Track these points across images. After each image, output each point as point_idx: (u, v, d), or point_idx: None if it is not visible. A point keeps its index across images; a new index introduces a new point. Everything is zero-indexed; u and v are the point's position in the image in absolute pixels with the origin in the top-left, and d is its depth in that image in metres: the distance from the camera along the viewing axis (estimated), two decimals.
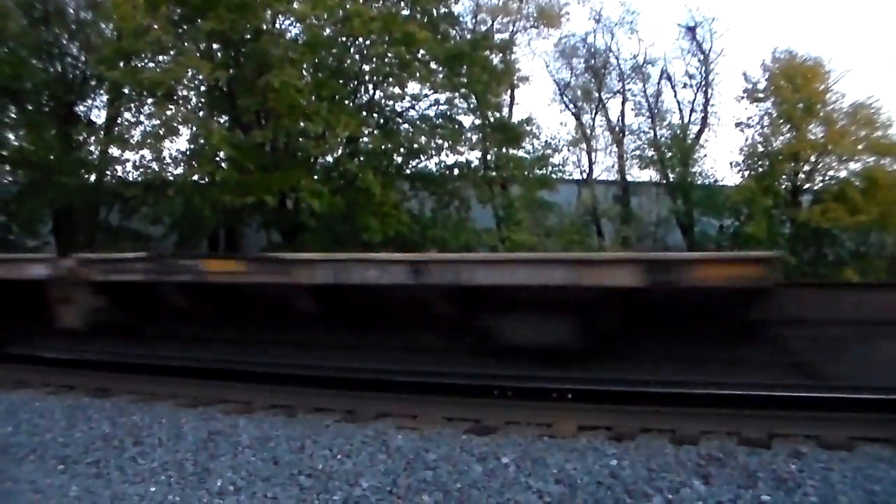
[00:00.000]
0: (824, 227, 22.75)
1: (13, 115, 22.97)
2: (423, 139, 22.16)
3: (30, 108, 22.79)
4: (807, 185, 24.78)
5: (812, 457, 5.69)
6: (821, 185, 24.68)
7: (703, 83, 27.81)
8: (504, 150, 23.59)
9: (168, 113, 20.83)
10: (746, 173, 25.27)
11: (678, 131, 26.99)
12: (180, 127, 21.16)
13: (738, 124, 26.04)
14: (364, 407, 7.88)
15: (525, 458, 5.84)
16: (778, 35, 56.16)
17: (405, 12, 21.61)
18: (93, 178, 22.91)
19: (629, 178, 27.58)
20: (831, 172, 24.57)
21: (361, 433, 6.71)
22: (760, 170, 24.66)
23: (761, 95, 25.52)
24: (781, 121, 24.54)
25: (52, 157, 21.25)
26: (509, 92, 26.63)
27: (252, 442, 6.55)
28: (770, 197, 23.38)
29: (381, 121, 22.51)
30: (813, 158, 24.23)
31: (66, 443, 6.85)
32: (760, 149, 24.99)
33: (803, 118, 23.84)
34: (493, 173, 23.66)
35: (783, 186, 24.43)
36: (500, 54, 24.61)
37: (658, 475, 5.39)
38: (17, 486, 5.88)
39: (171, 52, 20.40)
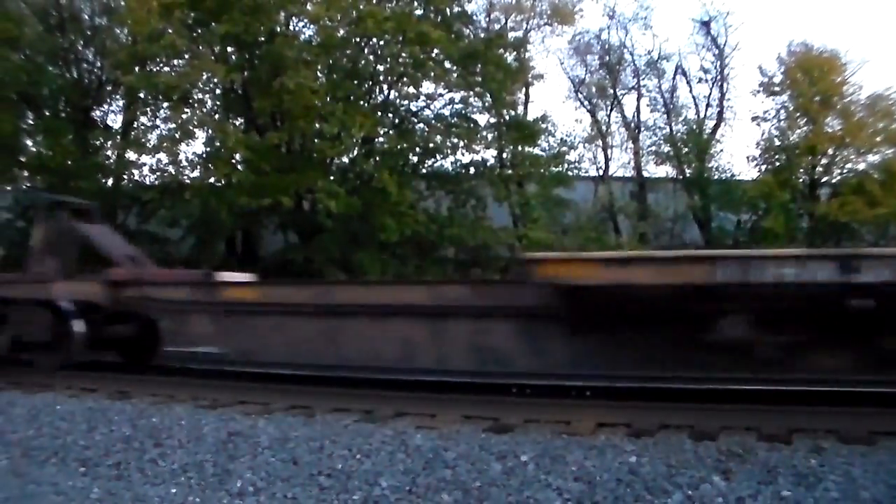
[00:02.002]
0: (843, 221, 22.62)
1: (31, 122, 23.13)
2: (438, 138, 22.15)
3: (47, 114, 22.93)
4: (825, 179, 24.66)
5: (833, 452, 5.65)
6: (839, 178, 24.57)
7: (719, 78, 27.75)
8: (520, 148, 23.56)
9: (184, 116, 20.91)
10: (763, 167, 25.22)
11: (694, 126, 26.91)
12: (196, 130, 21.24)
13: (754, 118, 25.99)
14: (382, 406, 7.90)
15: (544, 456, 5.82)
16: (793, 28, 55.96)
17: (419, 12, 21.60)
18: (110, 182, 23.04)
19: (645, 175, 27.57)
20: (849, 165, 24.50)
21: (380, 433, 6.71)
22: (777, 164, 24.56)
23: (777, 89, 25.44)
24: (798, 114, 24.44)
25: (69, 163, 21.36)
26: (524, 90, 26.67)
27: (271, 442, 6.56)
28: (787, 191, 23.28)
29: (397, 121, 22.53)
30: (830, 151, 24.11)
31: (88, 445, 6.88)
32: (777, 143, 24.91)
33: (820, 111, 23.72)
34: (509, 171, 23.65)
35: (801, 180, 24.32)
36: (515, 52, 24.64)
37: (678, 471, 5.37)
38: (40, 489, 5.92)
39: (186, 56, 20.48)
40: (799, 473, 5.22)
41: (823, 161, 24.33)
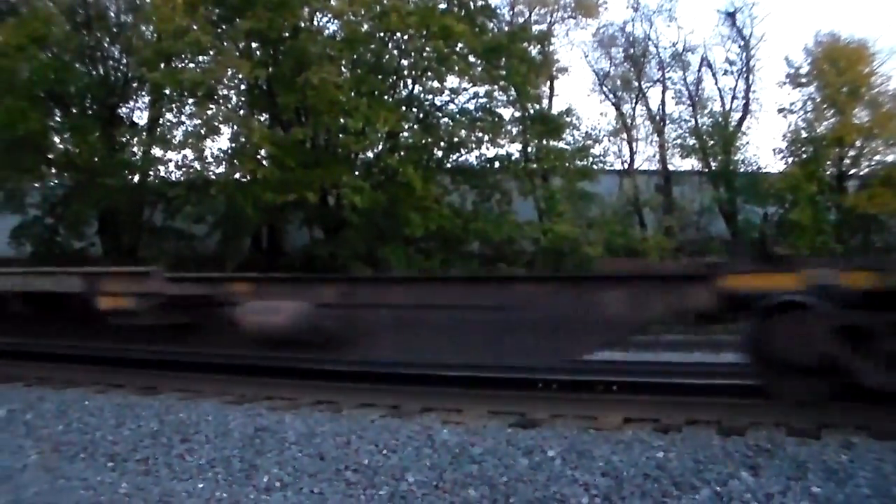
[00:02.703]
0: (871, 213, 22.35)
1: (58, 119, 23.29)
2: (463, 132, 22.08)
3: (74, 111, 23.06)
4: (853, 171, 24.42)
5: (863, 447, 5.60)
6: (867, 169, 24.33)
7: (745, 69, 27.56)
8: (544, 141, 23.46)
9: (209, 112, 20.96)
10: (790, 160, 24.96)
11: (720, 119, 26.73)
12: (221, 126, 21.28)
13: (780, 110, 25.74)
14: (409, 402, 7.91)
15: (571, 451, 5.81)
16: (820, 18, 55.43)
17: (442, 6, 21.54)
18: (136, 178, 23.17)
19: (671, 168, 27.42)
20: (878, 157, 24.23)
21: (407, 428, 6.72)
22: (804, 156, 24.31)
23: (804, 80, 25.19)
24: (825, 105, 24.19)
25: (96, 160, 21.49)
26: (548, 83, 26.58)
27: (298, 438, 6.58)
28: (815, 183, 23.03)
29: (421, 115, 22.48)
30: (858, 143, 23.87)
31: (116, 440, 6.93)
32: (804, 134, 24.64)
33: (848, 102, 23.47)
34: (534, 165, 23.54)
35: (828, 172, 24.08)
36: (539, 46, 24.52)
37: (706, 467, 5.34)
38: (70, 484, 5.96)
39: (211, 52, 20.52)
40: (829, 469, 5.18)
41: (851, 153, 24.09)
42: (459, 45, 20.90)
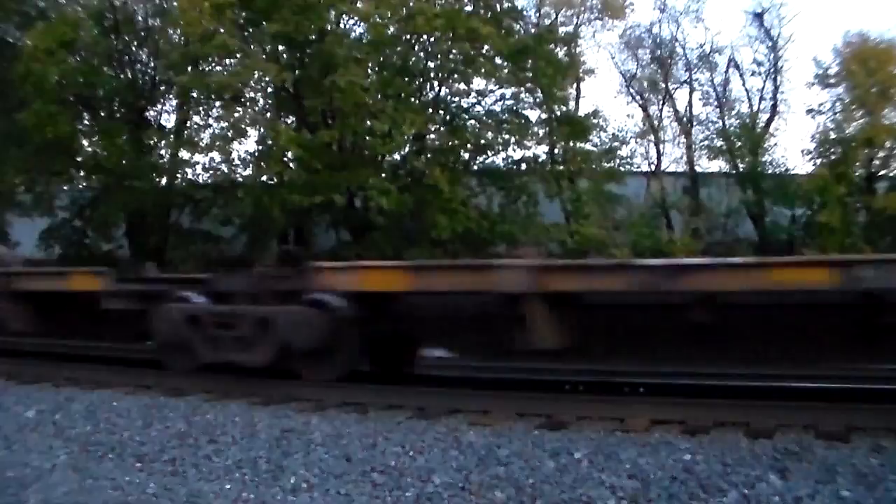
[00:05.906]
0: None
1: (87, 123, 23.49)
2: (489, 135, 22.09)
3: (102, 114, 23.26)
4: (882, 172, 24.19)
5: (894, 450, 5.53)
6: None
7: (772, 70, 27.32)
8: (571, 143, 23.42)
9: (236, 115, 21.08)
10: (819, 161, 24.78)
11: (747, 120, 26.56)
12: (248, 129, 21.43)
13: (809, 111, 25.57)
14: (435, 403, 7.89)
15: (597, 453, 5.78)
16: (849, 17, 54.88)
17: (468, 8, 21.55)
18: (164, 181, 23.30)
19: (698, 169, 27.25)
20: None
21: (433, 430, 6.71)
22: (833, 157, 24.12)
23: (833, 80, 25.00)
24: (854, 106, 24.00)
25: (124, 163, 21.64)
26: (575, 85, 26.48)
27: (325, 439, 6.59)
28: (844, 185, 22.83)
29: (448, 117, 22.46)
30: (888, 144, 23.64)
31: (144, 441, 6.97)
32: (833, 135, 24.45)
33: (878, 102, 23.27)
34: (561, 167, 23.49)
35: (857, 173, 23.87)
36: (565, 47, 24.48)
37: (733, 469, 5.30)
38: (98, 483, 6.01)
39: (238, 56, 20.61)
40: (858, 473, 5.12)
41: (881, 154, 23.88)
42: (486, 47, 20.90)
